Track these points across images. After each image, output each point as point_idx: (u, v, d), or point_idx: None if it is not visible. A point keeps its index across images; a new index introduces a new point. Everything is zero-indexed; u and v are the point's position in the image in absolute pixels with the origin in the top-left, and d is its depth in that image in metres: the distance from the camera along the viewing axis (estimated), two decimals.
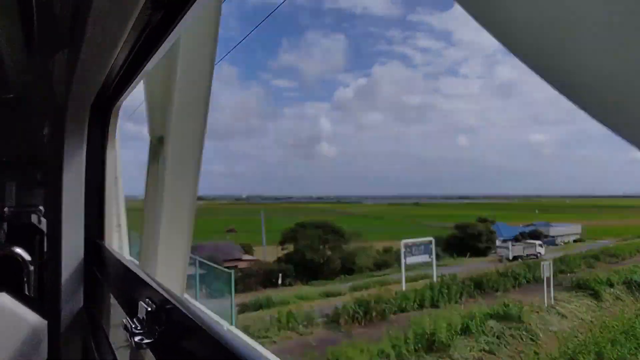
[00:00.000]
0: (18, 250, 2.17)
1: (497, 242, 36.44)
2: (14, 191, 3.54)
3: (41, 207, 3.64)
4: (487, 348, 16.24)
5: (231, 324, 12.57)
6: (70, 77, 1.86)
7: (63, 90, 2.19)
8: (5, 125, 3.44)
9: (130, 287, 1.46)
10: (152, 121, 2.41)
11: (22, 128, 3.52)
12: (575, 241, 40.42)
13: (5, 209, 3.33)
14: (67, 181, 2.25)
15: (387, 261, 32.50)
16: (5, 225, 3.22)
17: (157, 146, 2.42)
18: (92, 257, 2.30)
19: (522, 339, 17.27)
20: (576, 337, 18.37)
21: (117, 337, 1.61)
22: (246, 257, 35.63)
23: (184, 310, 0.95)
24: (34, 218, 3.46)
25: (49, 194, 2.81)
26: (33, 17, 1.44)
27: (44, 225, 3.19)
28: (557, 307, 19.86)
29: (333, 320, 18.20)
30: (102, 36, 1.31)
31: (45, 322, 1.91)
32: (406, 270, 23.65)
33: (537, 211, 68.82)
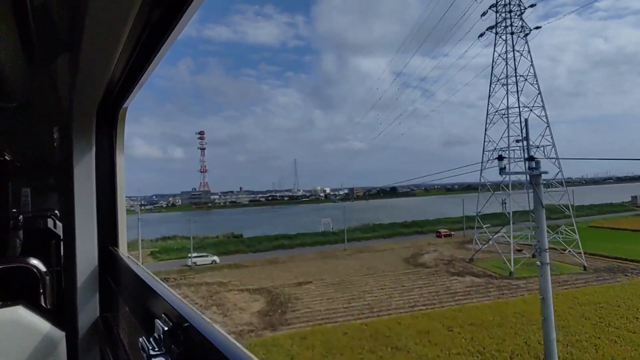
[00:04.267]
0: (34, 261, 2.11)
1: None
2: (30, 197, 3.54)
3: (57, 211, 3.47)
4: None
5: None
6: (73, 82, 1.85)
7: (67, 95, 2.19)
8: (15, 133, 3.29)
9: (145, 300, 1.41)
10: None
11: (32, 135, 3.36)
12: None
13: (20, 217, 3.18)
14: (78, 186, 2.25)
15: None
16: (20, 233, 3.08)
17: None
18: (105, 264, 2.27)
19: None
20: None
21: (134, 347, 1.51)
22: None
23: (201, 331, 0.92)
24: (50, 223, 3.30)
25: (63, 199, 2.69)
26: (29, 23, 1.39)
27: (60, 229, 3.09)
28: None
29: None
30: (101, 38, 1.28)
31: (63, 333, 1.90)
32: None
33: None
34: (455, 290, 30.28)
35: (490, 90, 39.64)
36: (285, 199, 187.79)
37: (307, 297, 30.60)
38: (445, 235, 55.27)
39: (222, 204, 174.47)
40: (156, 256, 46.98)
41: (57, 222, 3.37)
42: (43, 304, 2.10)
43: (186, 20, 1.14)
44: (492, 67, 39.25)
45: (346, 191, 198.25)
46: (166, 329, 1.08)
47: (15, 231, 3.10)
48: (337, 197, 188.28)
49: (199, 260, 43.34)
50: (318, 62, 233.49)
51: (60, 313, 2.28)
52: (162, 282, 1.46)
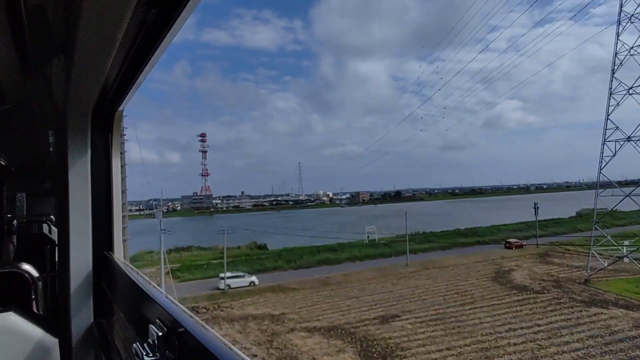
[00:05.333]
0: (26, 267, 2.12)
1: None
2: (25, 202, 3.41)
3: (52, 217, 3.55)
4: None
5: None
6: (67, 84, 1.81)
7: (62, 97, 2.15)
8: (9, 136, 3.26)
9: (140, 306, 1.40)
10: None
11: (27, 138, 3.34)
12: None
13: (14, 222, 3.11)
14: (73, 190, 2.20)
15: None
16: (14, 238, 3.03)
17: None
18: (100, 270, 2.25)
19: None
20: None
21: (129, 354, 1.51)
22: None
23: (196, 336, 0.91)
24: (45, 228, 3.30)
25: (57, 203, 2.78)
26: (24, 24, 1.39)
27: (55, 235, 3.06)
28: None
29: None
30: (96, 39, 1.27)
31: (56, 340, 1.89)
32: None
33: None
34: (625, 333, 21.32)
35: (614, 63, 30.90)
36: (290, 203, 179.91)
37: (413, 344, 21.45)
38: (517, 246, 46.43)
39: (224, 208, 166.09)
40: (176, 275, 37.38)
41: (53, 227, 3.18)
42: (35, 310, 2.04)
43: (182, 22, 1.11)
44: (617, 33, 30.61)
45: (348, 195, 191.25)
46: (160, 334, 1.06)
47: (9, 236, 2.97)
48: (343, 202, 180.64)
49: (234, 282, 34.00)
50: (316, 66, 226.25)
51: (54, 319, 2.24)
52: (157, 287, 1.44)
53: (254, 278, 34.95)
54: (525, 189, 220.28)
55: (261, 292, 33.17)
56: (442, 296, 30.00)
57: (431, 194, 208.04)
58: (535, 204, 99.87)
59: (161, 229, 29.22)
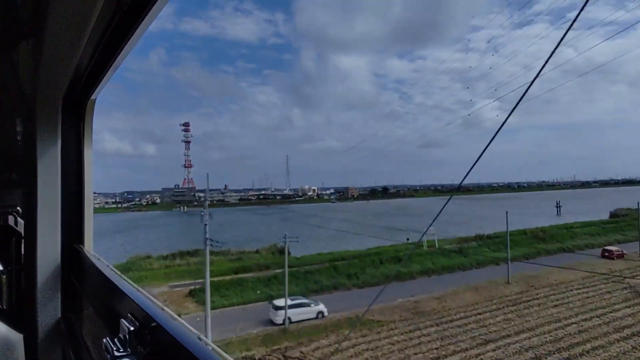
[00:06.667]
0: None
1: None
2: None
3: (19, 208, 3.26)
4: None
5: None
6: (36, 70, 1.76)
7: (30, 84, 2.07)
8: None
9: (111, 300, 1.36)
10: None
11: None
12: None
13: None
14: (42, 180, 2.14)
15: None
16: None
17: None
18: (70, 263, 2.19)
19: None
20: None
21: (98, 349, 1.48)
22: None
23: (169, 331, 0.89)
24: (11, 220, 3.07)
25: (25, 194, 2.68)
26: None
27: (21, 227, 2.94)
28: None
29: None
30: (67, 22, 1.20)
31: (21, 335, 1.82)
32: None
33: None
34: None
35: None
36: (278, 197, 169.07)
37: None
38: (618, 256, 37.41)
39: (208, 202, 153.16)
40: (200, 297, 25.81)
41: (19, 219, 2.94)
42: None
43: (160, 7, 1.06)
44: None
45: (332, 190, 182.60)
46: (132, 329, 1.04)
47: None
48: (333, 197, 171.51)
49: (296, 313, 23.03)
50: (297, 60, 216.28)
51: (19, 314, 2.16)
52: (129, 281, 1.37)
53: (322, 307, 24.03)
54: (507, 187, 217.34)
55: (336, 329, 22.38)
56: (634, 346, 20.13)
57: (416, 191, 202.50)
58: (557, 202, 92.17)
59: (206, 238, 18.06)
